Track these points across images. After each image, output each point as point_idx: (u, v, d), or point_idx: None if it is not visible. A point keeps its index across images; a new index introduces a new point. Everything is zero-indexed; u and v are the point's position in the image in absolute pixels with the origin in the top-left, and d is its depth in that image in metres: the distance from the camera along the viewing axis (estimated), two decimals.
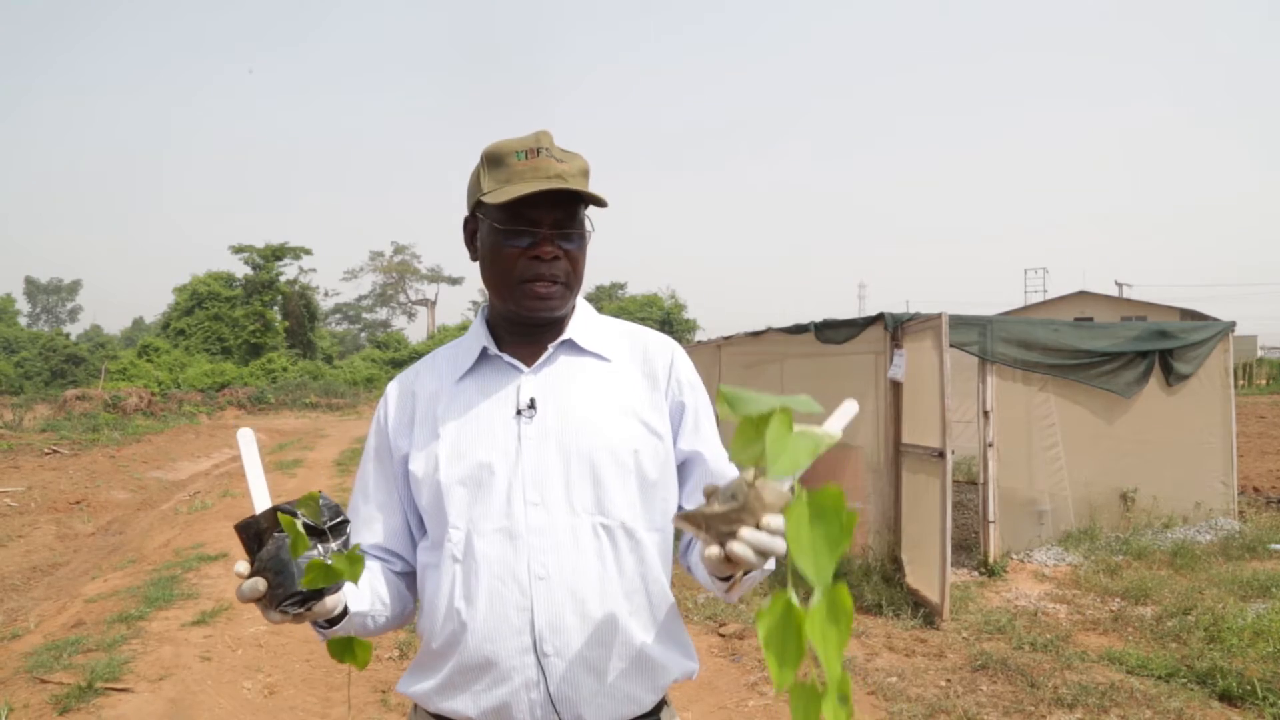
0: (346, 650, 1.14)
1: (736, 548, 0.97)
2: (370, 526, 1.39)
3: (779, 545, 0.96)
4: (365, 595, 1.30)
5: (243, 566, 1.08)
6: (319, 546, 1.08)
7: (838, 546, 0.75)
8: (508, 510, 1.27)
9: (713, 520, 1.00)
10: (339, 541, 1.11)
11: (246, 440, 1.21)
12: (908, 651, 4.62)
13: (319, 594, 1.08)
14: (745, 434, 0.91)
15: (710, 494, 1.04)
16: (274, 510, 1.08)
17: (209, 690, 4.24)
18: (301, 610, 1.07)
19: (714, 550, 0.99)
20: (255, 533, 1.09)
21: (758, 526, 0.97)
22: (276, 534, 1.06)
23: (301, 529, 1.06)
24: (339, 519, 1.11)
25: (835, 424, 1.02)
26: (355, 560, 1.06)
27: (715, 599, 5.47)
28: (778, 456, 0.87)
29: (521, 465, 1.29)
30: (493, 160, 1.33)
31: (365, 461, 1.45)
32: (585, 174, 1.35)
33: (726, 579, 1.18)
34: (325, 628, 1.20)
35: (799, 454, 0.88)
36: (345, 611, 1.21)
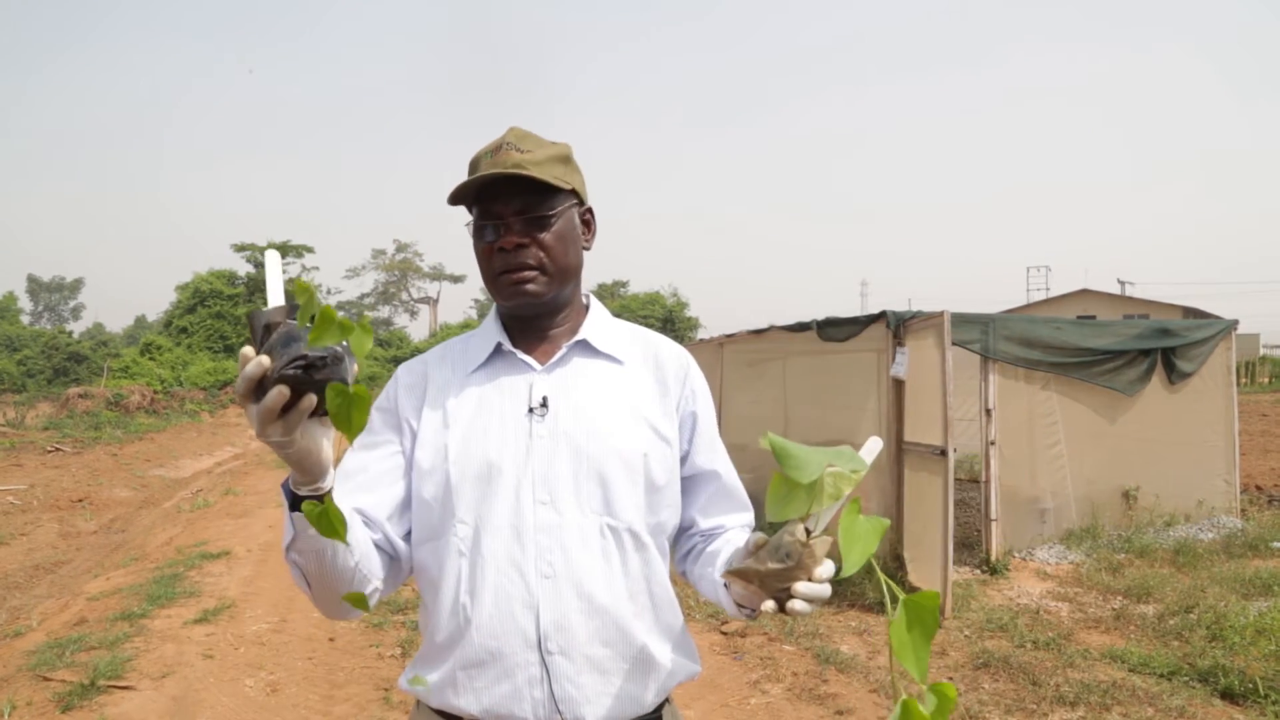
0: (344, 408, 0.98)
1: (798, 605, 1.05)
2: (362, 492, 1.32)
3: (828, 590, 1.06)
4: (348, 526, 1.17)
5: (248, 349, 0.99)
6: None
7: (930, 638, 0.84)
8: (516, 508, 1.27)
9: (767, 578, 1.07)
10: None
11: (273, 259, 1.15)
12: None
13: (323, 361, 0.98)
14: (792, 493, 0.98)
15: (759, 547, 1.09)
16: (291, 305, 1.03)
17: (211, 688, 4.25)
18: (300, 374, 0.97)
19: (770, 605, 1.08)
20: (265, 323, 1.03)
21: (810, 578, 1.05)
22: (290, 320, 1.01)
23: (320, 301, 0.96)
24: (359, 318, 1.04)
25: (865, 456, 1.07)
26: (367, 330, 0.96)
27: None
28: (851, 547, 0.93)
29: (532, 463, 1.29)
30: (470, 167, 1.36)
31: (368, 435, 1.38)
32: (559, 160, 1.35)
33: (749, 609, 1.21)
34: (297, 507, 1.10)
35: (870, 541, 0.94)
36: (330, 491, 1.11)
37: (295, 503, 1.11)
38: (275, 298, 1.08)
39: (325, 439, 1.07)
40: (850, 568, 0.93)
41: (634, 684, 1.28)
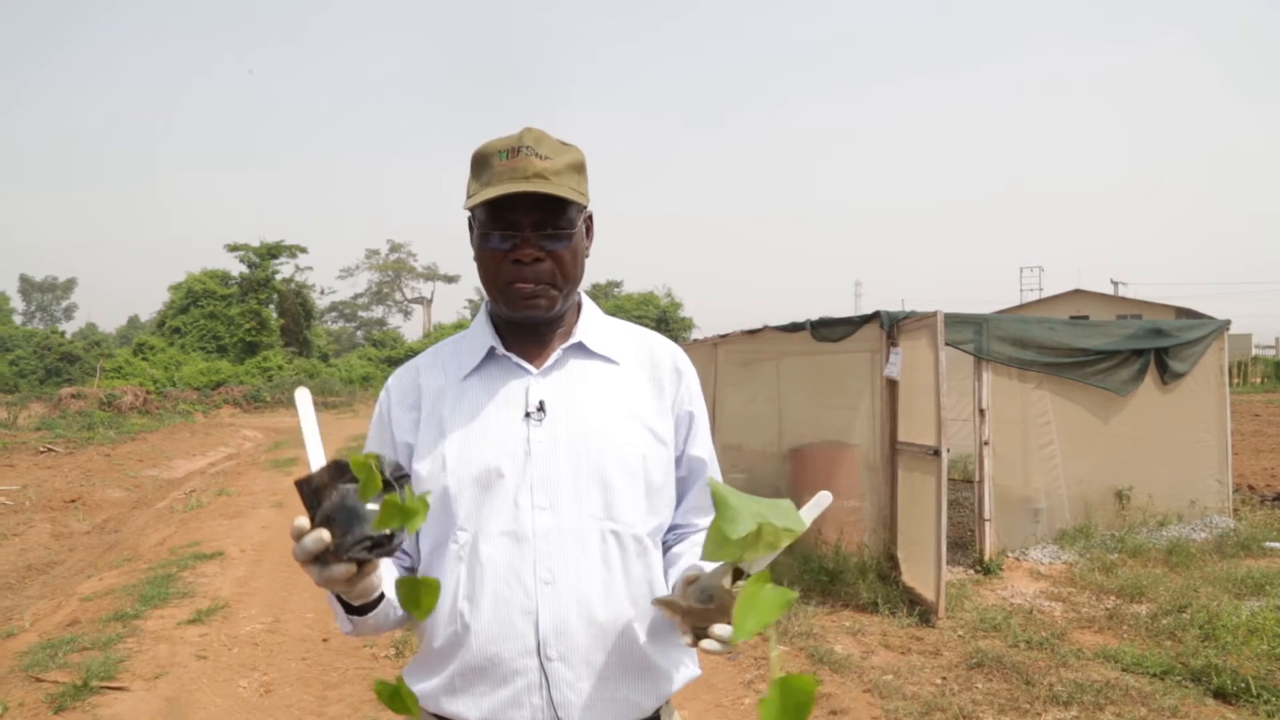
0: (413, 593, 1.08)
1: (708, 645, 1.09)
2: None
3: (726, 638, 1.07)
4: (391, 578, 1.27)
5: (303, 521, 1.04)
6: (386, 495, 1.06)
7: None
8: (515, 514, 1.26)
9: (688, 614, 1.13)
10: (402, 494, 1.07)
11: (304, 400, 1.18)
12: (903, 649, 4.62)
13: (388, 539, 1.04)
14: (725, 541, 1.01)
15: (690, 581, 1.16)
16: (335, 465, 1.05)
17: (205, 689, 4.24)
18: (369, 557, 1.04)
19: (687, 639, 1.12)
20: (315, 488, 1.05)
21: (728, 622, 1.08)
22: (340, 485, 1.04)
23: (377, 471, 1.02)
24: (402, 473, 1.08)
25: (807, 514, 1.11)
26: (424, 503, 1.03)
27: None
28: (746, 616, 0.95)
29: (530, 469, 1.28)
30: (478, 162, 1.31)
31: (369, 449, 1.43)
32: (575, 169, 1.31)
33: None
34: (357, 614, 1.20)
35: (767, 613, 0.96)
36: (381, 596, 1.19)
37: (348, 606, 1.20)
38: (313, 447, 1.12)
39: (375, 572, 1.12)
40: (740, 636, 0.95)
41: (633, 690, 1.28)
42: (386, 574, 1.30)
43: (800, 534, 1.03)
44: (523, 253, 1.28)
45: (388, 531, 1.03)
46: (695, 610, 1.11)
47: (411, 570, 1.38)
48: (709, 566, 1.18)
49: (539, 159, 1.26)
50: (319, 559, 1.04)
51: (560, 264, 1.31)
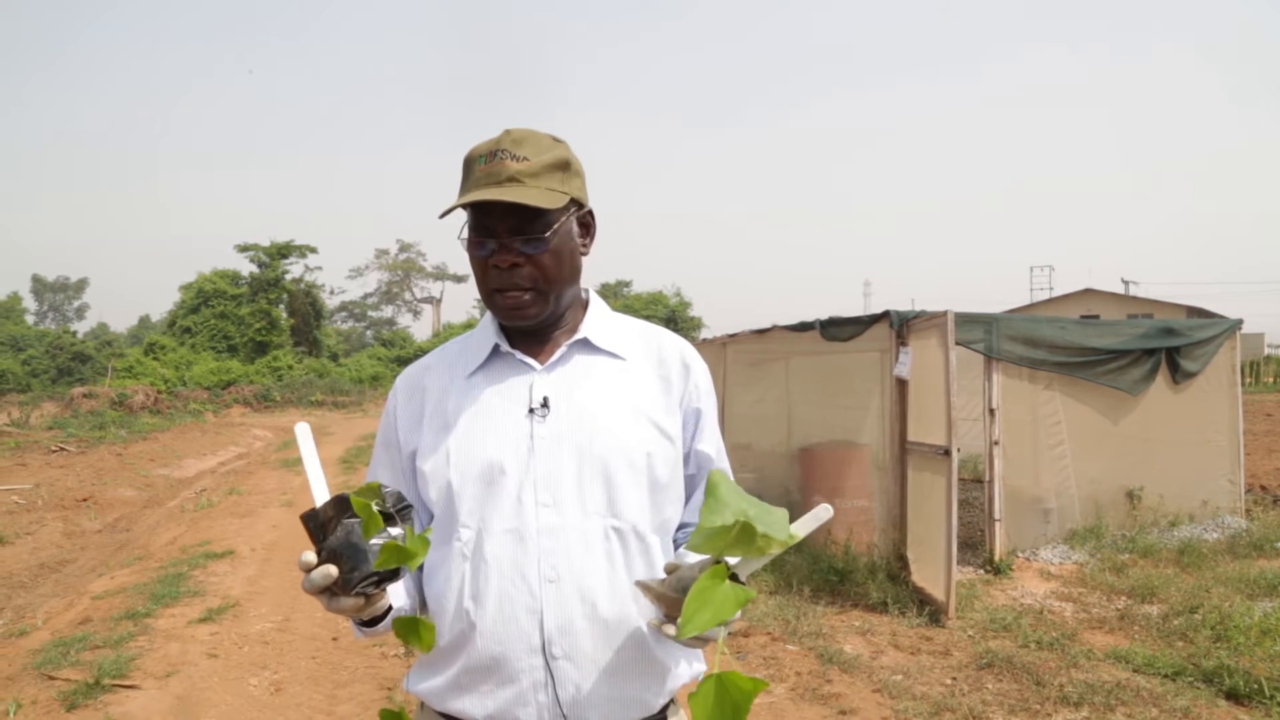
0: (411, 630, 1.17)
1: (669, 630, 1.11)
2: None
3: (715, 634, 1.07)
4: (400, 591, 1.31)
5: (310, 556, 1.09)
6: (388, 530, 1.10)
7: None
8: (518, 511, 1.26)
9: (661, 600, 1.15)
10: (404, 526, 1.12)
11: (304, 434, 1.23)
12: (913, 649, 4.61)
13: (394, 574, 1.10)
14: (705, 531, 1.02)
15: (671, 570, 1.17)
16: (338, 499, 1.09)
17: (215, 687, 4.25)
18: (376, 590, 1.10)
19: (655, 622, 1.15)
20: (320, 523, 1.10)
21: None
22: (344, 520, 1.08)
23: (376, 511, 1.08)
24: (404, 504, 1.14)
25: (803, 526, 1.10)
26: (425, 542, 1.10)
27: None
28: (698, 610, 0.95)
29: (533, 465, 1.28)
30: (464, 167, 1.31)
31: (376, 452, 1.45)
32: (557, 167, 1.29)
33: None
34: (367, 625, 1.25)
35: (721, 609, 0.97)
36: (389, 608, 1.25)
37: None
38: (316, 480, 1.18)
39: (383, 597, 1.19)
40: (689, 630, 0.95)
41: (639, 687, 1.28)
42: (414, 596, 1.36)
43: (789, 545, 1.01)
44: (499, 258, 1.28)
45: (394, 568, 1.08)
46: (669, 598, 1.12)
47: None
48: (693, 558, 1.18)
49: (514, 161, 1.26)
50: (327, 590, 1.09)
51: (540, 268, 1.29)
